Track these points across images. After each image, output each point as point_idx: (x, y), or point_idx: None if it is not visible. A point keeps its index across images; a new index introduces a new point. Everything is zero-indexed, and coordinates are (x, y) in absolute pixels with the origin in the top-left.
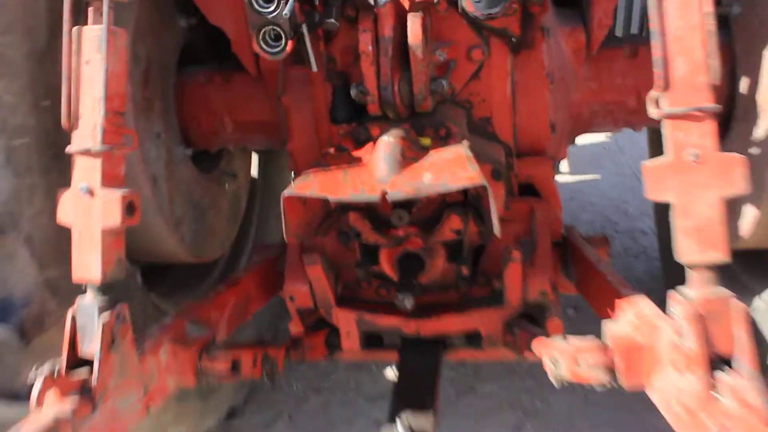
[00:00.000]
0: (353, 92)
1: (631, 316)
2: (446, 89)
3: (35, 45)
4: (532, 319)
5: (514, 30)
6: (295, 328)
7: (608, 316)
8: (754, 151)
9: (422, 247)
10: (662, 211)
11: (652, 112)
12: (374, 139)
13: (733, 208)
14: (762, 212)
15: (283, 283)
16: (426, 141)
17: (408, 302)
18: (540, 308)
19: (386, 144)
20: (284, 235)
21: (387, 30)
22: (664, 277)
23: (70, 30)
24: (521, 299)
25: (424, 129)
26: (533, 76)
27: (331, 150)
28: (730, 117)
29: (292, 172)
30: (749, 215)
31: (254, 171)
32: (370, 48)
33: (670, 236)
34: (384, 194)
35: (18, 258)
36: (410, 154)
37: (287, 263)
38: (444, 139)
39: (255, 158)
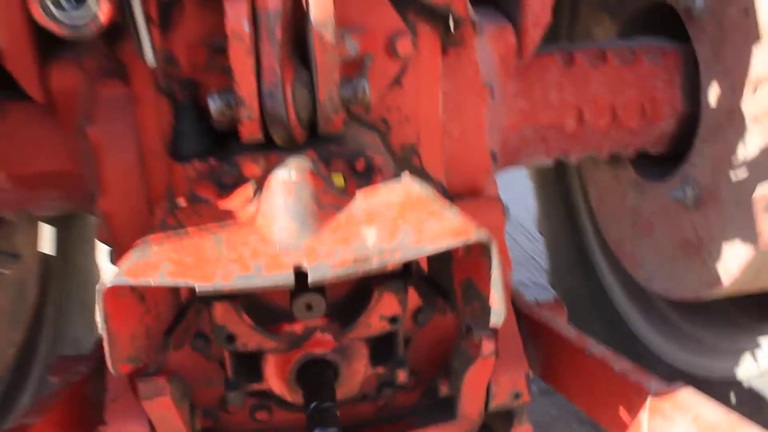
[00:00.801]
0: (214, 106)
1: (689, 425)
2: (368, 96)
3: None
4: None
5: (459, 10)
6: None
7: (611, 421)
8: (739, 175)
9: (334, 348)
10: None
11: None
12: (250, 181)
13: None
14: (756, 252)
15: (102, 421)
16: (337, 179)
17: None
18: (504, 415)
19: (287, 185)
20: (109, 365)
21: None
22: None
23: None
24: (484, 408)
25: (330, 161)
26: (467, 86)
27: (181, 201)
28: (686, 138)
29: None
30: (738, 256)
31: (48, 246)
32: (246, 27)
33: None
34: (298, 272)
35: None
36: (327, 200)
37: (109, 393)
38: (364, 177)
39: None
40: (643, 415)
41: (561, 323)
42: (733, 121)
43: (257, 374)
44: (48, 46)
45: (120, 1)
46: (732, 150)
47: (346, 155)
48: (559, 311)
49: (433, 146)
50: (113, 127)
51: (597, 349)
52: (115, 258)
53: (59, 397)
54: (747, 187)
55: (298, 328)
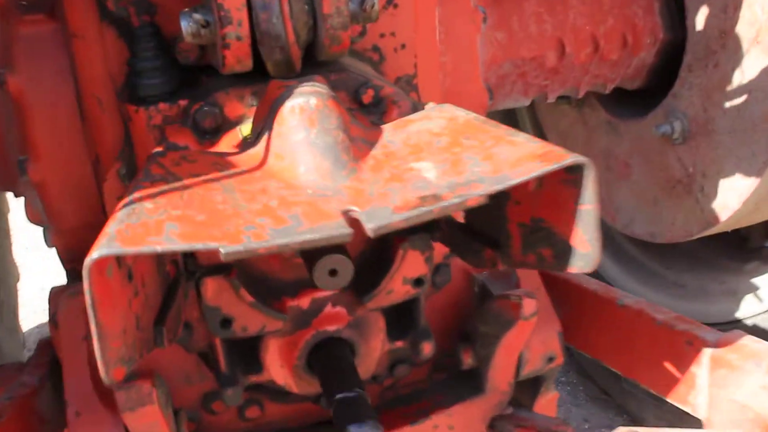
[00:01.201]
0: (188, 26)
1: (766, 373)
2: (376, 9)
3: None
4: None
5: None
6: None
7: (655, 378)
8: (736, 101)
9: (349, 323)
10: None
11: None
12: (236, 125)
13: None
14: (761, 181)
15: None
16: None
17: None
18: (530, 382)
19: (307, 113)
20: (102, 371)
21: None
22: None
23: None
24: (514, 378)
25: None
26: (458, 11)
27: (159, 150)
28: (665, 70)
29: (45, 235)
30: (738, 188)
31: None
32: None
33: None
34: (352, 221)
35: None
36: (356, 132)
37: (70, 406)
38: (374, 111)
39: None
40: (699, 368)
41: (579, 275)
42: (726, 45)
43: (256, 364)
44: None
45: None
46: (726, 76)
47: (350, 85)
48: None
49: (432, 79)
50: (41, 73)
51: (629, 299)
52: (52, 238)
53: (4, 416)
54: (745, 113)
55: (304, 302)
